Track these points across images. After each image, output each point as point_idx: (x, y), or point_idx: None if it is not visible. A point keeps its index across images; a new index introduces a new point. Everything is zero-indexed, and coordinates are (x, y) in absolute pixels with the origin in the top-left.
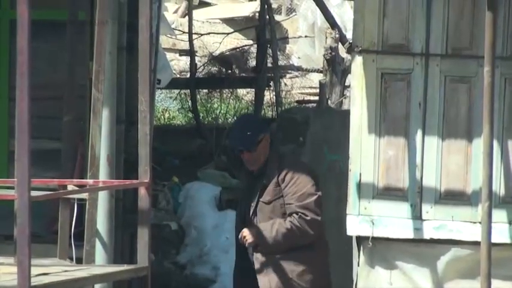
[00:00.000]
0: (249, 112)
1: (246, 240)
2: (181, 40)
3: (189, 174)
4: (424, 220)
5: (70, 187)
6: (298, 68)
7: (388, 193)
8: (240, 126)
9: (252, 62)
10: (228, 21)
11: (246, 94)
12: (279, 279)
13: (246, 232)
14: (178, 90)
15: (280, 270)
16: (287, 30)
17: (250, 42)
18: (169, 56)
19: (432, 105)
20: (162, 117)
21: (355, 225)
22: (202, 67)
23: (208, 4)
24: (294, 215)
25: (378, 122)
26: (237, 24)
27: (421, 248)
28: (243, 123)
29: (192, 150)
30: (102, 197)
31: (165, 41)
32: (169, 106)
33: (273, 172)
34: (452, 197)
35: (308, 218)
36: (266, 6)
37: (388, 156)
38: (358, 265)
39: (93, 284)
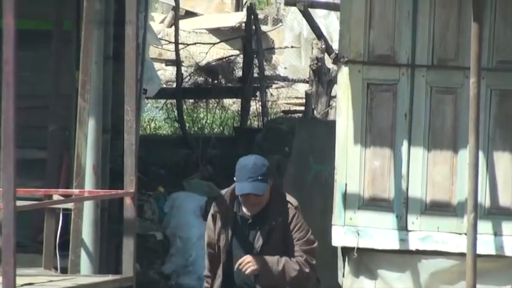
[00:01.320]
0: (256, 156)
1: (249, 267)
2: (168, 50)
3: (174, 184)
4: (410, 231)
5: (55, 197)
6: (284, 78)
7: (374, 204)
8: (252, 170)
9: (238, 72)
10: (214, 31)
11: (232, 104)
12: None
13: (249, 258)
14: (165, 100)
15: None
16: (273, 40)
17: (237, 52)
18: (155, 65)
19: (418, 116)
20: (148, 127)
21: (341, 236)
22: (188, 77)
23: (194, 14)
24: (299, 257)
25: (364, 133)
26: (223, 34)
27: (406, 259)
28: (255, 167)
29: (178, 160)
30: (88, 207)
31: (151, 50)
32: (155, 116)
33: (278, 215)
34: (438, 208)
35: (313, 262)
36: (252, 16)
37: (374, 167)
38: (343, 276)
39: None
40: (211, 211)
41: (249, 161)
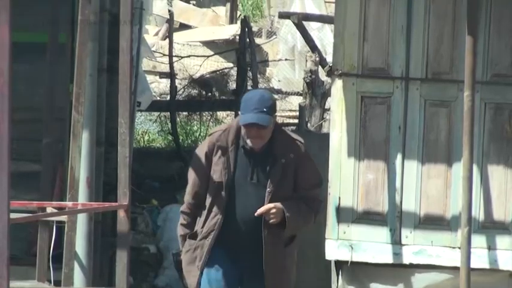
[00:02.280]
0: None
1: (274, 217)
2: (162, 63)
3: (168, 196)
4: (404, 245)
5: (49, 209)
6: (278, 91)
7: (368, 217)
8: (258, 102)
9: (232, 85)
10: (208, 44)
11: (226, 117)
12: (289, 270)
13: (277, 207)
14: (158, 113)
15: (291, 260)
16: (267, 53)
17: (231, 65)
18: (149, 78)
19: (412, 129)
20: (142, 139)
21: (334, 250)
22: (182, 90)
23: (188, 27)
24: (311, 202)
25: (358, 146)
26: (217, 47)
27: (400, 273)
28: (262, 99)
29: (172, 173)
30: (81, 220)
31: (145, 63)
32: (149, 128)
33: (289, 151)
34: (432, 222)
35: (321, 205)
36: (246, 29)
37: (368, 180)
38: None
39: None
40: (205, 147)
41: (256, 93)
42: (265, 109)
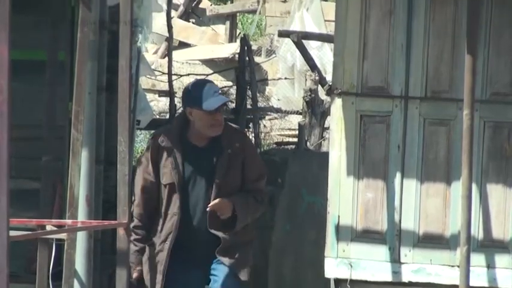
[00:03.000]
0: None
1: (222, 213)
2: (161, 81)
3: None
4: (403, 263)
5: (48, 227)
6: (278, 110)
7: (367, 236)
8: (212, 86)
9: (231, 104)
10: (207, 62)
11: None
12: (245, 265)
13: (224, 203)
14: None
15: (246, 253)
16: (267, 72)
17: (230, 83)
18: (148, 96)
19: (411, 148)
20: None
21: (333, 268)
22: (181, 108)
23: (188, 45)
24: (259, 196)
25: (357, 164)
26: (216, 65)
27: None
28: (212, 84)
29: None
30: (81, 238)
31: (144, 81)
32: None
33: (233, 141)
34: (431, 240)
35: (265, 201)
36: (246, 47)
37: (367, 199)
38: None
39: None
40: (149, 152)
41: (202, 81)
42: (221, 92)
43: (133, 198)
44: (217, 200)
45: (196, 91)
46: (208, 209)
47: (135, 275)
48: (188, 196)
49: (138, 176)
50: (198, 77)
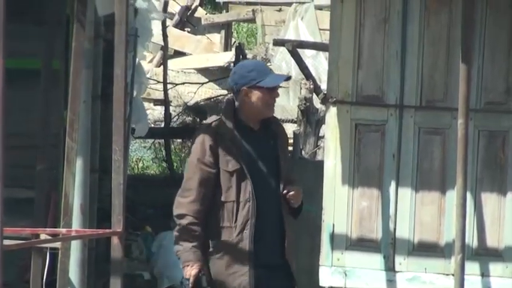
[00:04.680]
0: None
1: (296, 201)
2: (156, 90)
3: (162, 223)
4: (397, 272)
5: (43, 236)
6: None
7: (361, 244)
8: (264, 65)
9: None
10: (202, 71)
11: None
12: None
13: (298, 190)
14: (153, 140)
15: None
16: None
17: (225, 92)
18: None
19: (406, 157)
20: (136, 166)
21: (328, 277)
22: (176, 117)
23: (183, 54)
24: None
25: (352, 173)
26: (211, 74)
27: None
28: (262, 63)
29: (166, 199)
30: (75, 246)
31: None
32: (143, 155)
33: (277, 125)
34: (426, 249)
35: None
36: (241, 56)
37: (362, 207)
38: None
39: None
40: (208, 141)
41: (254, 61)
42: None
43: (183, 195)
44: (297, 187)
45: (252, 71)
46: (290, 195)
47: (194, 271)
48: (256, 180)
49: (193, 170)
50: (194, 86)
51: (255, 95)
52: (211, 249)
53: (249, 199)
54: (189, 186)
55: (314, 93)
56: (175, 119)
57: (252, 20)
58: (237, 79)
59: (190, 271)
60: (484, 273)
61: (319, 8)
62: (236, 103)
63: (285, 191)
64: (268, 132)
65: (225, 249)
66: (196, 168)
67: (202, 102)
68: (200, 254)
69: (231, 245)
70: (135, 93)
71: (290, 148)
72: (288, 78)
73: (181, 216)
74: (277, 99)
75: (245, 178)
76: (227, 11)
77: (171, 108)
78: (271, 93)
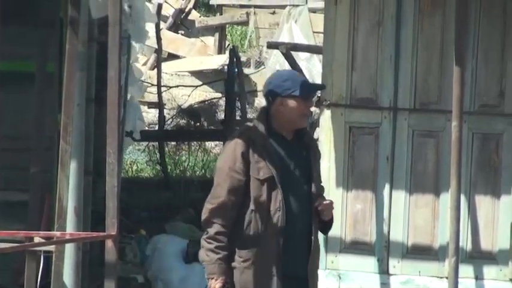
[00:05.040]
0: None
1: (328, 214)
2: (150, 93)
3: (156, 226)
4: (391, 275)
5: (37, 239)
6: None
7: (355, 247)
8: (299, 75)
9: (221, 115)
10: (196, 74)
11: (214, 147)
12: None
13: (331, 203)
14: (147, 143)
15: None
16: (256, 83)
17: (219, 95)
18: None
19: (400, 159)
20: (130, 169)
21: (322, 279)
22: (170, 119)
23: (177, 57)
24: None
25: (346, 176)
26: (205, 77)
27: None
28: (298, 73)
29: (160, 202)
30: (69, 249)
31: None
32: (137, 158)
33: (310, 137)
34: (420, 252)
35: None
36: (235, 59)
37: (356, 210)
38: None
39: None
40: (240, 148)
41: (289, 71)
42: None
43: (212, 202)
44: (330, 200)
45: (287, 80)
46: (323, 204)
47: (218, 285)
48: (287, 190)
49: (223, 177)
50: (188, 89)
51: (290, 105)
52: (239, 257)
53: (279, 208)
54: (219, 193)
55: None
56: (169, 122)
57: (246, 23)
58: (272, 88)
59: (215, 284)
60: (478, 276)
61: (313, 10)
62: (270, 112)
63: (316, 203)
64: (301, 143)
65: (253, 258)
66: (227, 176)
67: (196, 105)
68: (225, 267)
69: (259, 254)
70: (129, 96)
71: None
72: (323, 87)
73: (208, 223)
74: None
75: (276, 187)
76: (221, 14)
77: (165, 111)
78: (306, 102)
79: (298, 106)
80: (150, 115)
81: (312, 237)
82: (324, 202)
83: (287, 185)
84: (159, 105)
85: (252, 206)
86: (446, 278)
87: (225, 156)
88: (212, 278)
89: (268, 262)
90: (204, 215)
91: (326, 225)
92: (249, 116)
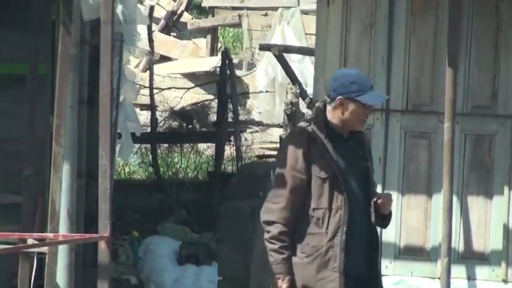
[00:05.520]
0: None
1: (387, 208)
2: (142, 95)
3: (149, 228)
4: (384, 275)
5: (30, 241)
6: (259, 123)
7: None
8: (368, 79)
9: (213, 117)
10: (188, 76)
11: (207, 149)
12: None
13: (390, 196)
14: (139, 145)
15: None
16: (248, 85)
17: (211, 97)
18: None
19: (392, 161)
20: (123, 171)
21: None
22: (163, 122)
23: (169, 59)
24: None
25: None
26: (197, 79)
27: None
28: (365, 77)
29: (152, 204)
30: (62, 251)
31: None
32: (129, 160)
33: (364, 135)
34: (412, 253)
35: None
36: (227, 61)
37: None
38: None
39: None
40: (301, 146)
41: (357, 72)
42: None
43: (273, 201)
44: (388, 193)
45: (355, 83)
46: (380, 201)
47: (285, 285)
48: (347, 188)
49: (285, 177)
50: (180, 91)
51: (350, 108)
52: (301, 253)
53: (341, 206)
54: (280, 192)
55: (300, 98)
56: (161, 124)
57: (238, 25)
58: (337, 87)
59: (282, 284)
60: (470, 277)
61: (305, 12)
62: (328, 108)
63: (375, 198)
64: (355, 141)
65: (315, 255)
66: (288, 175)
67: (188, 107)
68: (290, 266)
69: (321, 251)
70: (121, 98)
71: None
72: (386, 98)
73: (270, 222)
74: (263, 104)
75: (338, 185)
76: (213, 16)
77: (157, 113)
78: (367, 109)
79: (358, 111)
80: (143, 117)
81: (373, 237)
82: (383, 197)
83: (346, 183)
84: (151, 107)
85: (313, 205)
86: (439, 278)
87: (285, 155)
88: (279, 278)
89: (330, 259)
90: (265, 214)
91: (385, 219)
92: (241, 118)
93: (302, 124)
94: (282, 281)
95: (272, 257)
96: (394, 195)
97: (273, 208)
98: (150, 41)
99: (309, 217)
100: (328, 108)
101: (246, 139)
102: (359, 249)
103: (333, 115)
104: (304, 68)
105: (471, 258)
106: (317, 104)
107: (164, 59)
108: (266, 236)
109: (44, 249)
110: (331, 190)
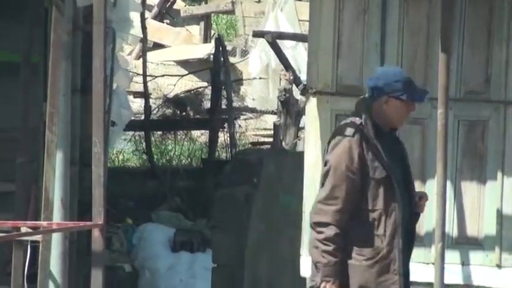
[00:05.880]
0: None
1: (423, 208)
2: (136, 82)
3: (143, 215)
4: None
5: (23, 229)
6: (253, 110)
7: None
8: (410, 77)
9: (207, 104)
10: (182, 63)
11: (200, 136)
12: None
13: (427, 195)
14: (133, 132)
15: None
16: (241, 72)
17: (205, 84)
18: None
19: None
20: (116, 159)
21: (309, 267)
22: (156, 109)
23: (162, 46)
24: None
25: None
26: (191, 66)
27: None
28: (408, 75)
29: (146, 192)
30: (56, 239)
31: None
32: (123, 148)
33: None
34: None
35: None
36: (221, 48)
37: None
38: None
39: None
40: (356, 147)
41: (398, 69)
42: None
43: (328, 203)
44: (426, 193)
45: (399, 81)
46: (422, 202)
47: None
48: (398, 188)
49: (340, 178)
50: (173, 78)
51: (394, 106)
52: (359, 256)
53: (395, 207)
54: (335, 194)
55: (294, 84)
56: (155, 112)
57: (232, 12)
58: (382, 85)
59: (330, 287)
60: (464, 262)
61: None
62: (372, 106)
63: (417, 198)
64: (394, 139)
65: (376, 258)
66: (344, 176)
67: (182, 95)
68: (340, 269)
69: (382, 254)
70: (115, 86)
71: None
72: (428, 96)
73: (324, 224)
74: (257, 91)
75: (392, 186)
76: (206, 3)
77: (150, 100)
78: (409, 107)
79: (401, 110)
80: (136, 105)
81: (411, 233)
82: (423, 194)
83: (397, 183)
84: (144, 95)
85: (369, 206)
86: (433, 264)
87: (340, 157)
88: (328, 281)
89: (390, 261)
90: (318, 215)
91: (417, 216)
92: (235, 104)
93: (352, 123)
94: (331, 284)
95: (325, 259)
96: None
97: (327, 210)
98: (143, 28)
99: (363, 219)
100: (373, 106)
101: (239, 126)
102: (404, 247)
103: (378, 113)
104: (298, 54)
105: (465, 243)
106: (358, 99)
107: (157, 46)
108: (319, 237)
109: (38, 237)
110: (385, 191)
